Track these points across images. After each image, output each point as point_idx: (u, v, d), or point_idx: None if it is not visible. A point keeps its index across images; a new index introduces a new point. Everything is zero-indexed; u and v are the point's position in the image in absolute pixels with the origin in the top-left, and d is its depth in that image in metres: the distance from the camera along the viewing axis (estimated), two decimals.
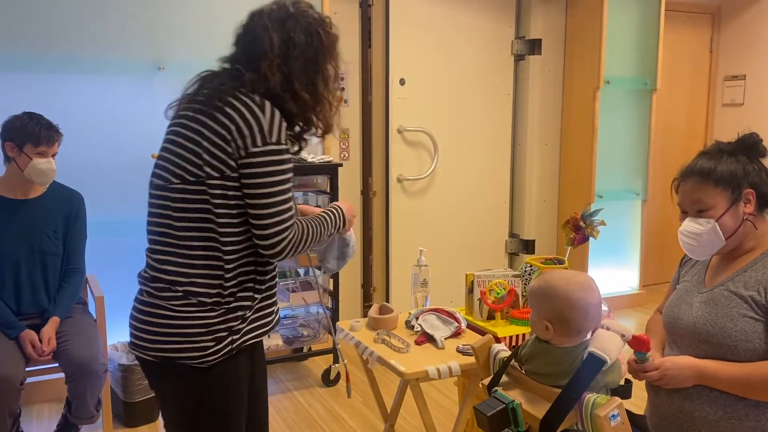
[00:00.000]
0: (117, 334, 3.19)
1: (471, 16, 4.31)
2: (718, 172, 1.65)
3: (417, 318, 2.47)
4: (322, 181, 3.50)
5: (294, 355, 3.76)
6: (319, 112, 1.64)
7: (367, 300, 4.25)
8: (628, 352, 1.64)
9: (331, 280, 3.54)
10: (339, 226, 1.78)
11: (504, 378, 1.65)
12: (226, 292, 1.54)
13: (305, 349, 3.80)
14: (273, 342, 3.48)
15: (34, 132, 2.61)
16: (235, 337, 1.57)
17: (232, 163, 1.49)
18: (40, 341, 2.61)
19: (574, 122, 4.62)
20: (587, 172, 4.54)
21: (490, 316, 2.60)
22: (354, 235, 1.92)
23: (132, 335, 1.59)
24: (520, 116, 4.64)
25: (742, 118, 5.27)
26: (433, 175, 4.32)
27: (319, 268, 2.32)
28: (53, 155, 2.68)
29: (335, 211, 1.77)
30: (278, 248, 1.52)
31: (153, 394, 2.90)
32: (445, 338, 2.36)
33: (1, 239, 2.64)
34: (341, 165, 3.48)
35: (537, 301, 1.61)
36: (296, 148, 1.67)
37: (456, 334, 2.41)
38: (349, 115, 4.07)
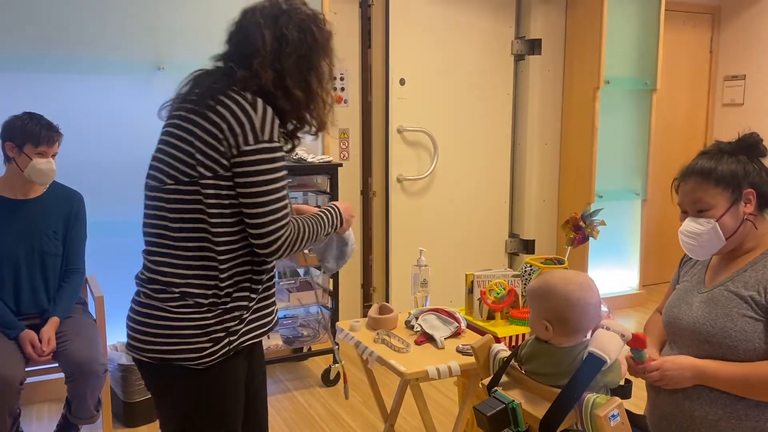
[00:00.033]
0: (117, 334, 3.19)
1: (471, 16, 4.31)
2: (718, 171, 1.65)
3: (417, 318, 2.47)
4: (322, 181, 3.50)
5: (294, 355, 3.76)
6: (312, 110, 1.62)
7: (366, 300, 4.25)
8: (627, 352, 1.64)
9: (331, 280, 3.54)
10: (336, 225, 1.76)
11: (504, 378, 1.65)
12: (222, 293, 1.53)
13: (305, 349, 3.80)
14: (273, 342, 3.48)
15: (34, 132, 2.61)
16: (232, 338, 1.56)
17: (225, 162, 1.47)
18: (40, 341, 2.61)
19: (574, 122, 4.62)
20: (587, 172, 4.54)
21: (490, 316, 2.60)
22: (353, 234, 1.91)
23: (129, 336, 1.58)
24: (519, 116, 4.64)
25: (742, 118, 5.27)
26: (432, 175, 4.32)
27: (319, 268, 2.32)
28: (53, 155, 2.68)
29: (332, 210, 1.76)
30: (274, 247, 1.51)
31: None
32: (444, 338, 2.36)
33: (1, 239, 2.64)
34: (341, 165, 3.48)
35: (536, 300, 1.61)
36: (290, 147, 1.66)
37: (456, 334, 2.41)
38: (348, 115, 4.07)
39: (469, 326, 2.53)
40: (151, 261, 1.56)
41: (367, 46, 4.05)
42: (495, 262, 4.63)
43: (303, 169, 3.40)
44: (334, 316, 3.51)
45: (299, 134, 1.67)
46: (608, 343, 1.51)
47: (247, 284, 1.58)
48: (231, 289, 1.55)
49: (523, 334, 2.46)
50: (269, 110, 1.50)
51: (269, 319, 1.68)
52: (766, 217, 1.70)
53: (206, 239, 1.50)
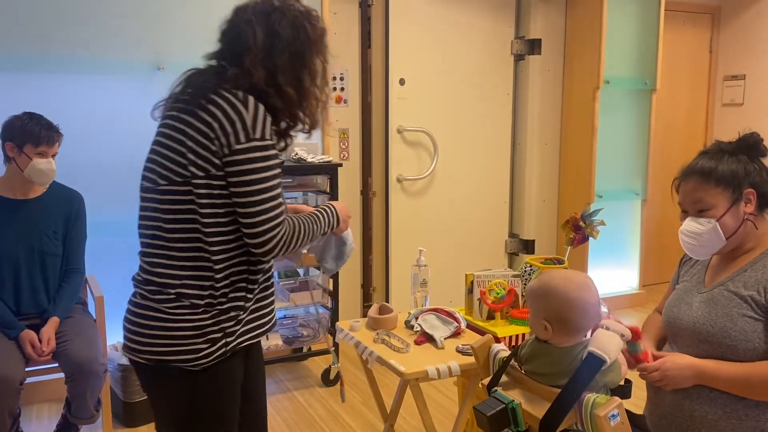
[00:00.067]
0: (117, 334, 3.18)
1: (471, 16, 4.31)
2: (719, 171, 1.65)
3: (416, 318, 2.47)
4: (322, 181, 3.50)
5: (294, 355, 3.76)
6: (305, 108, 1.60)
7: (366, 300, 4.25)
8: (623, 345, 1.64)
9: (331, 280, 3.54)
10: (333, 224, 1.74)
11: (504, 378, 1.65)
12: (218, 293, 1.52)
13: (305, 349, 3.80)
14: (273, 342, 3.48)
15: (34, 132, 2.61)
16: (228, 339, 1.55)
17: (217, 162, 1.46)
18: (40, 341, 2.61)
19: (574, 122, 4.62)
20: (587, 172, 4.54)
21: (490, 316, 2.60)
22: (351, 234, 1.90)
23: (125, 338, 1.57)
24: (519, 116, 4.64)
25: (741, 118, 5.27)
26: (432, 175, 4.32)
27: (318, 269, 2.31)
28: (53, 155, 2.68)
29: (328, 210, 1.74)
30: (269, 246, 1.49)
31: None
32: (444, 338, 2.36)
33: (1, 239, 2.64)
34: (341, 165, 3.48)
35: (535, 300, 1.61)
36: (283, 145, 1.64)
37: (456, 334, 2.41)
38: (348, 115, 4.07)
39: (469, 326, 2.53)
40: (146, 262, 1.55)
41: (367, 46, 4.05)
42: (495, 262, 4.63)
43: (303, 169, 3.40)
44: (334, 316, 3.52)
45: (292, 132, 1.65)
46: (608, 343, 1.51)
47: (243, 284, 1.57)
48: (227, 290, 1.54)
49: (523, 334, 2.46)
50: (261, 108, 1.48)
51: (267, 319, 1.67)
52: (767, 217, 1.71)
53: (200, 239, 1.49)
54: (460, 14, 4.27)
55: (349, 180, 4.08)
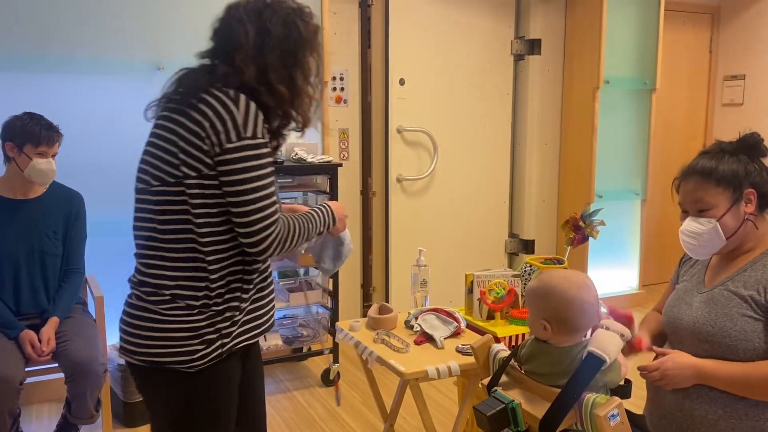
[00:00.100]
0: (116, 334, 3.14)
1: (470, 16, 4.31)
2: (719, 171, 1.65)
3: (416, 318, 2.47)
4: (322, 181, 3.50)
5: (294, 355, 3.76)
6: (297, 106, 1.59)
7: (366, 300, 4.25)
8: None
9: (331, 280, 3.54)
10: (328, 224, 1.73)
11: (503, 378, 1.65)
12: (213, 294, 1.51)
13: (305, 349, 3.80)
14: (273, 342, 3.48)
15: (34, 132, 2.61)
16: (225, 340, 1.53)
17: (209, 161, 1.45)
18: (40, 341, 2.61)
19: (574, 122, 4.62)
20: (587, 172, 4.54)
21: (490, 316, 2.60)
22: (349, 234, 1.89)
23: (121, 339, 1.56)
24: (519, 116, 4.64)
25: (741, 118, 5.27)
26: (432, 175, 4.32)
27: (316, 269, 2.28)
28: (53, 155, 2.68)
29: (323, 209, 1.72)
30: (264, 245, 1.48)
31: None
32: (444, 338, 2.36)
33: (1, 239, 2.64)
34: (341, 165, 3.48)
35: (534, 300, 1.61)
36: (276, 144, 1.62)
37: (455, 334, 2.41)
38: (348, 115, 4.07)
39: (469, 326, 2.53)
40: (141, 263, 1.54)
41: (367, 46, 4.05)
42: (495, 262, 4.63)
43: (303, 169, 3.40)
44: (334, 316, 3.52)
45: (285, 131, 1.63)
46: (608, 343, 1.51)
47: (239, 285, 1.55)
48: (222, 291, 1.52)
49: (523, 334, 2.46)
50: (252, 106, 1.47)
51: (264, 320, 1.65)
52: (767, 217, 1.71)
53: (193, 240, 1.48)
54: (459, 14, 4.27)
55: (348, 180, 4.08)
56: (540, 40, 4.51)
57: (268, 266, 1.66)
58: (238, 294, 1.55)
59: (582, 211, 2.83)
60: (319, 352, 3.69)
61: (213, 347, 1.52)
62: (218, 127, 1.43)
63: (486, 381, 1.69)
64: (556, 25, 4.58)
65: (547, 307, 1.57)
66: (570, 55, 4.61)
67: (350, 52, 4.02)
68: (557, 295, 1.56)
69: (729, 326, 1.61)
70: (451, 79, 4.31)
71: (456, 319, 2.44)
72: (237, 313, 1.55)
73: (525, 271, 2.67)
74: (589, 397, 1.45)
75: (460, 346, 2.29)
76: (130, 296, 1.57)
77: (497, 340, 2.00)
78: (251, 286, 1.59)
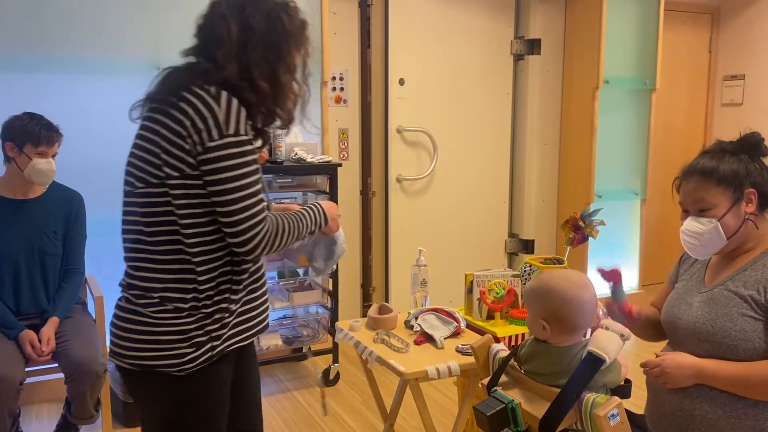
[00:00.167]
0: None
1: (470, 16, 4.31)
2: (720, 171, 1.65)
3: (416, 318, 2.48)
4: (322, 181, 3.50)
5: (294, 355, 3.76)
6: (281, 102, 1.55)
7: (366, 300, 4.25)
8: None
9: (330, 280, 3.54)
10: (320, 223, 1.69)
11: (503, 378, 1.65)
12: (201, 296, 1.48)
13: (305, 349, 3.80)
14: (273, 342, 3.48)
15: (34, 132, 2.61)
16: (215, 343, 1.51)
17: (191, 161, 1.42)
18: (40, 341, 2.61)
19: (574, 122, 4.62)
20: (586, 171, 4.54)
21: (490, 316, 2.60)
22: (343, 234, 1.86)
23: (111, 342, 1.54)
24: (519, 116, 4.64)
25: (741, 117, 5.27)
26: (432, 175, 4.32)
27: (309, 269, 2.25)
28: (53, 155, 2.68)
29: (314, 208, 1.69)
30: (251, 245, 1.45)
31: None
32: (444, 338, 2.36)
33: (1, 239, 2.64)
34: (340, 165, 3.48)
35: (533, 300, 1.61)
36: (261, 142, 1.59)
37: (455, 333, 2.41)
38: (348, 115, 4.07)
39: (469, 326, 2.53)
40: (130, 266, 1.53)
41: (367, 45, 4.05)
42: (494, 261, 4.64)
43: (302, 169, 3.40)
44: (334, 316, 3.52)
45: (269, 128, 1.59)
46: (607, 343, 1.51)
47: (228, 286, 1.52)
48: (211, 292, 1.50)
49: (523, 334, 2.46)
50: (234, 102, 1.44)
51: (256, 322, 1.63)
52: (767, 216, 1.71)
53: (180, 242, 1.46)
54: (459, 14, 4.27)
55: (348, 180, 4.08)
56: (540, 39, 4.51)
57: (260, 267, 1.63)
58: (228, 295, 1.53)
59: (582, 211, 2.83)
60: (322, 352, 3.69)
61: (203, 350, 1.49)
62: (199, 125, 1.41)
63: (486, 381, 1.69)
64: (555, 24, 4.58)
65: (546, 307, 1.57)
66: (570, 54, 4.61)
67: (350, 52, 4.02)
68: (556, 294, 1.56)
69: (729, 326, 1.61)
70: (451, 79, 4.31)
71: (456, 319, 2.44)
72: (227, 315, 1.53)
73: (525, 271, 2.67)
74: (589, 396, 1.45)
75: (460, 346, 2.29)
76: (120, 299, 1.55)
77: (497, 340, 2.00)
78: (241, 287, 1.56)
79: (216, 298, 1.51)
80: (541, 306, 1.58)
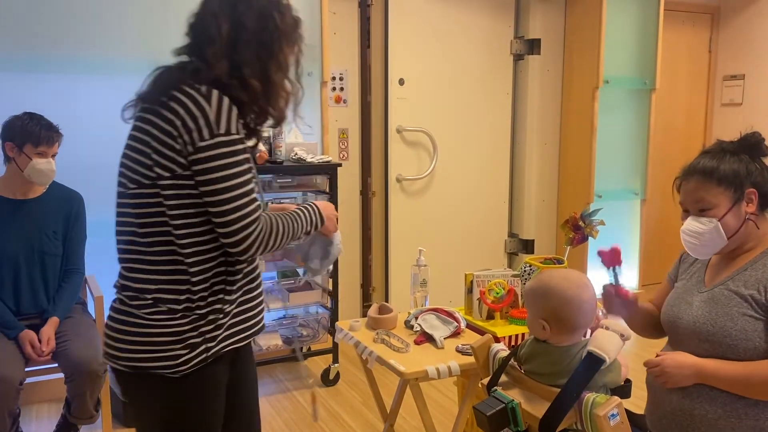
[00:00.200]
0: None
1: (470, 16, 4.31)
2: (720, 171, 1.65)
3: (416, 318, 2.48)
4: (322, 181, 3.50)
5: (294, 355, 3.76)
6: (273, 101, 1.53)
7: (366, 300, 4.25)
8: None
9: (330, 280, 3.54)
10: (316, 223, 1.67)
11: (503, 378, 1.66)
12: (195, 297, 1.47)
13: (305, 349, 3.80)
14: (273, 342, 3.48)
15: (34, 132, 2.61)
16: (210, 344, 1.50)
17: (182, 161, 1.41)
18: (40, 341, 2.61)
19: (574, 122, 4.62)
20: (586, 171, 4.54)
21: (490, 316, 2.60)
22: (339, 234, 1.83)
23: (105, 344, 1.53)
24: (519, 116, 4.64)
25: (741, 117, 5.27)
26: (432, 175, 4.32)
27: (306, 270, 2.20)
28: (53, 155, 2.68)
29: (310, 208, 1.67)
30: (245, 245, 1.43)
31: None
32: (444, 338, 2.36)
33: (1, 239, 2.64)
34: (340, 165, 3.48)
35: (532, 300, 1.62)
36: (254, 141, 1.57)
37: (455, 333, 2.41)
38: (348, 115, 4.07)
39: (469, 326, 2.53)
40: (123, 268, 1.52)
41: (366, 45, 4.05)
42: (494, 261, 4.64)
43: (302, 169, 3.40)
44: (334, 316, 3.52)
45: (260, 127, 1.57)
46: (608, 343, 1.51)
47: (222, 287, 1.51)
48: (205, 293, 1.48)
49: (523, 334, 2.46)
50: (225, 101, 1.42)
51: (252, 323, 1.61)
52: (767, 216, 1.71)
53: (172, 243, 1.45)
54: (459, 14, 4.27)
55: (348, 180, 4.08)
56: (540, 39, 4.51)
57: (255, 268, 1.61)
58: (222, 296, 1.51)
59: (581, 210, 2.83)
60: (322, 352, 3.69)
61: (197, 351, 1.48)
62: (190, 125, 1.39)
63: (486, 381, 1.69)
64: (555, 24, 4.58)
65: (545, 307, 1.57)
66: (570, 54, 4.61)
67: (350, 52, 4.02)
68: (556, 294, 1.56)
69: (730, 326, 1.61)
70: (451, 79, 4.31)
71: (456, 319, 2.44)
72: (221, 316, 1.52)
73: (525, 270, 2.67)
74: (589, 396, 1.45)
75: (460, 345, 2.29)
76: (113, 301, 1.54)
77: (497, 339, 2.00)
78: (235, 288, 1.54)
79: (210, 299, 1.49)
80: (541, 306, 1.58)
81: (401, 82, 4.12)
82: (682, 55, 5.28)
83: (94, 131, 3.28)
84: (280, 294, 3.54)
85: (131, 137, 1.49)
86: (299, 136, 3.56)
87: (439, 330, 2.40)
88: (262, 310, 1.66)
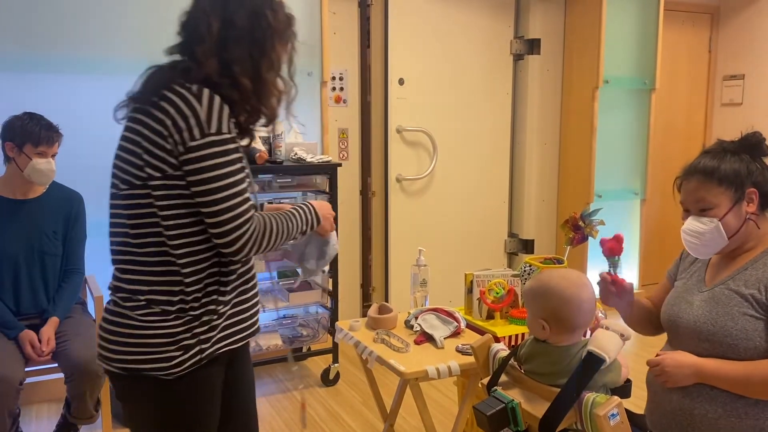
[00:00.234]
0: None
1: (470, 16, 4.31)
2: (721, 170, 1.65)
3: (416, 318, 2.48)
4: (321, 181, 3.50)
5: (293, 354, 3.76)
6: (264, 99, 1.52)
7: (366, 300, 4.25)
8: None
9: (330, 280, 3.54)
10: (311, 223, 1.66)
11: (503, 377, 1.66)
12: (189, 298, 1.46)
13: (304, 349, 3.80)
14: (273, 342, 3.48)
15: (33, 132, 2.61)
16: (204, 346, 1.48)
17: (173, 161, 1.39)
18: (39, 341, 2.61)
19: (573, 122, 4.62)
20: (586, 171, 4.54)
21: (490, 316, 2.60)
22: (336, 235, 1.83)
23: (99, 346, 1.52)
24: (519, 116, 4.64)
25: (741, 117, 5.28)
26: (432, 175, 4.32)
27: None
28: (53, 155, 2.68)
29: (305, 208, 1.66)
30: (238, 245, 1.42)
31: None
32: (444, 338, 2.36)
33: (1, 239, 2.64)
34: (340, 165, 3.48)
35: (532, 300, 1.62)
36: (247, 141, 1.56)
37: (455, 333, 2.41)
38: (348, 115, 4.07)
39: (469, 326, 2.53)
40: (117, 269, 1.51)
41: (366, 45, 4.05)
42: (494, 261, 4.64)
43: (302, 169, 3.40)
44: (334, 316, 3.52)
45: (253, 126, 1.55)
46: (607, 343, 1.51)
47: (216, 287, 1.50)
48: (199, 294, 1.47)
49: (523, 334, 2.46)
50: (216, 100, 1.40)
51: (248, 324, 1.60)
52: None
53: (164, 243, 1.44)
54: (459, 14, 4.27)
55: (348, 180, 4.08)
56: (539, 39, 4.51)
57: (249, 269, 1.60)
58: (216, 297, 1.50)
59: (581, 210, 2.83)
60: (322, 352, 3.69)
61: (191, 353, 1.47)
62: (180, 124, 1.38)
63: (486, 381, 1.69)
64: (555, 24, 4.58)
65: (545, 307, 1.57)
66: (569, 54, 4.62)
67: (349, 51, 4.02)
68: (555, 294, 1.56)
69: (730, 325, 1.61)
70: (451, 79, 4.31)
71: (456, 319, 2.44)
72: (215, 317, 1.50)
73: (524, 270, 2.67)
74: (589, 396, 1.45)
75: (459, 345, 2.29)
76: (107, 302, 1.53)
77: (497, 339, 2.00)
78: (229, 289, 1.53)
79: (204, 300, 1.48)
80: (540, 305, 1.58)
81: (401, 82, 4.12)
82: (681, 55, 5.28)
83: (94, 131, 3.28)
84: (280, 294, 3.54)
85: (123, 138, 1.48)
86: (299, 136, 3.56)
87: (439, 330, 2.40)
88: (257, 312, 1.65)
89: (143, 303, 1.46)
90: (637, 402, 1.88)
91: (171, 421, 1.51)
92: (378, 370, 2.44)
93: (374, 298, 4.26)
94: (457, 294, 3.15)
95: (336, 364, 3.58)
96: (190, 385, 1.49)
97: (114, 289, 1.51)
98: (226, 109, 1.42)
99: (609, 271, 1.83)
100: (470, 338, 2.38)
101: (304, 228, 1.64)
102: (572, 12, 4.56)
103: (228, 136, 1.42)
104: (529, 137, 4.62)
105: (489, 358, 1.74)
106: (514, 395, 1.57)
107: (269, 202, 1.90)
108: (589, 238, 2.82)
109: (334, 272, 3.50)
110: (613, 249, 1.81)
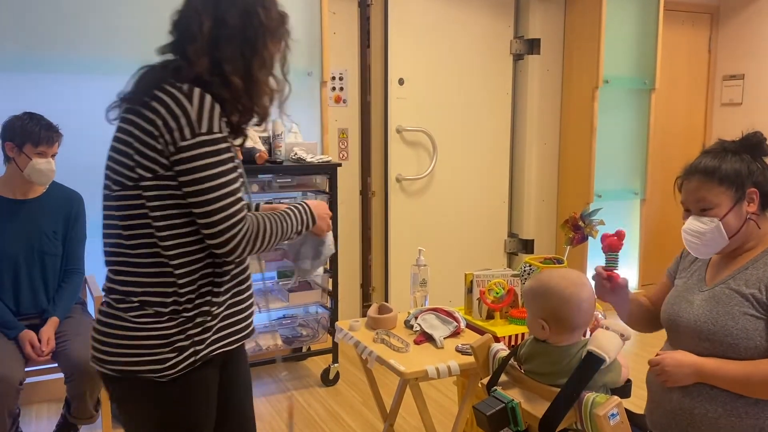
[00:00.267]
0: None
1: (470, 16, 4.31)
2: (722, 170, 1.65)
3: (416, 318, 2.48)
4: (321, 180, 3.50)
5: (293, 354, 3.76)
6: (256, 98, 1.51)
7: (366, 300, 4.25)
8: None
9: (330, 280, 3.54)
10: (307, 223, 1.64)
11: (503, 377, 1.66)
12: (182, 299, 1.45)
13: (304, 349, 3.80)
14: (272, 342, 3.48)
15: (33, 132, 2.61)
16: (198, 347, 1.47)
17: (164, 161, 1.38)
18: (39, 341, 2.61)
19: (573, 122, 4.62)
20: (586, 171, 4.54)
21: (489, 316, 2.60)
22: (331, 235, 1.81)
23: (92, 348, 1.51)
24: (519, 116, 4.64)
25: (740, 117, 5.28)
26: (431, 175, 4.32)
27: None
28: (53, 155, 2.68)
29: (300, 208, 1.64)
30: (231, 245, 1.41)
31: None
32: (444, 338, 2.36)
33: (1, 239, 2.64)
34: (340, 165, 3.48)
35: (531, 300, 1.62)
36: (240, 140, 1.56)
37: (455, 333, 2.41)
38: (347, 115, 4.07)
39: (469, 326, 2.53)
40: (110, 270, 1.50)
41: (366, 45, 4.05)
42: (494, 261, 4.64)
43: (302, 169, 3.40)
44: (334, 316, 3.52)
45: (245, 125, 1.54)
46: (607, 343, 1.51)
47: (209, 288, 1.49)
48: (192, 296, 1.46)
49: (523, 334, 2.46)
50: (207, 99, 1.39)
51: (242, 326, 1.59)
52: None
53: (156, 245, 1.43)
54: (459, 14, 4.27)
55: (348, 180, 4.08)
56: (539, 39, 4.51)
57: (244, 270, 1.59)
58: (209, 298, 1.49)
59: (581, 210, 2.83)
60: (322, 352, 3.69)
61: (185, 355, 1.46)
62: (171, 124, 1.37)
63: (486, 380, 1.69)
64: (555, 24, 4.58)
65: (544, 307, 1.57)
66: (569, 54, 4.61)
67: (349, 51, 4.02)
68: (555, 294, 1.56)
69: (731, 325, 1.61)
70: (451, 79, 4.31)
71: (456, 319, 2.44)
72: (209, 318, 1.49)
73: (524, 270, 2.67)
74: (589, 396, 1.45)
75: (459, 345, 2.29)
76: (101, 304, 1.52)
77: (497, 339, 2.00)
78: (223, 290, 1.52)
79: (197, 302, 1.47)
80: (540, 305, 1.59)
81: (401, 81, 4.12)
82: (681, 55, 5.28)
83: (94, 131, 3.26)
84: (280, 294, 3.54)
85: (115, 138, 1.47)
86: (299, 135, 3.56)
87: (438, 330, 2.40)
88: (252, 314, 1.63)
89: (136, 304, 1.45)
90: (637, 402, 1.88)
91: (165, 423, 1.50)
92: (378, 370, 2.44)
93: (374, 298, 4.26)
94: (457, 294, 3.15)
95: (336, 364, 3.58)
96: (185, 387, 1.49)
97: (107, 291, 1.50)
98: (218, 108, 1.41)
99: (605, 265, 1.83)
100: (470, 338, 2.38)
101: (299, 228, 1.63)
102: (572, 12, 4.56)
103: (219, 135, 1.40)
104: (529, 137, 4.62)
105: (489, 358, 1.74)
106: (514, 395, 1.57)
107: (268, 202, 1.89)
108: (589, 238, 2.82)
109: (334, 272, 3.50)
110: (612, 245, 1.81)
